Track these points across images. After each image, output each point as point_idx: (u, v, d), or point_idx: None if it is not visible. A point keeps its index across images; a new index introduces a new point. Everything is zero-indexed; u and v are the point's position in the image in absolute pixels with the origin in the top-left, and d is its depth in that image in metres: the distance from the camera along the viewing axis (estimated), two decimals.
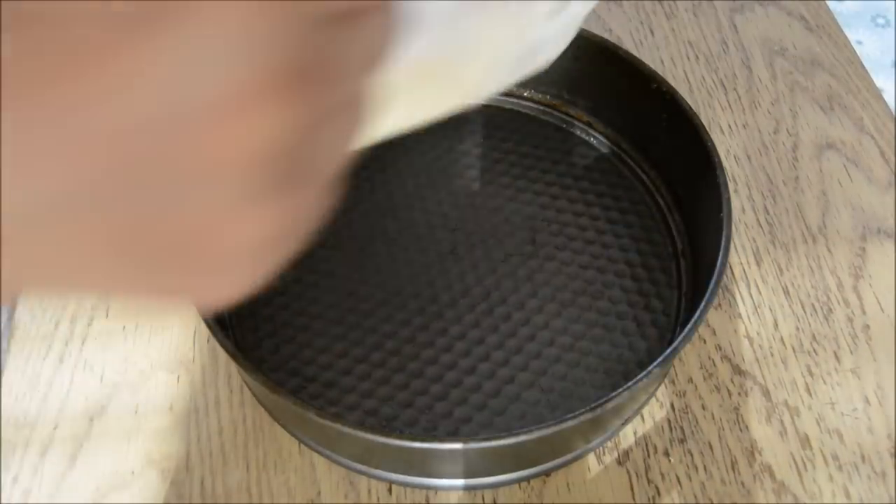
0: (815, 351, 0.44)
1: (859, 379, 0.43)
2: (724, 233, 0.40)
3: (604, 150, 0.51)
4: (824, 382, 0.43)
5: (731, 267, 0.47)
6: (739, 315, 0.45)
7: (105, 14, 0.14)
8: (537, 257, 0.46)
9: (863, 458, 0.40)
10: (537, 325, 0.43)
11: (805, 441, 0.41)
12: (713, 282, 0.38)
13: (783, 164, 0.52)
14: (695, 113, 0.44)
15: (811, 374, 0.43)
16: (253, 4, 0.14)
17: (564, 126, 0.52)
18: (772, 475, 0.40)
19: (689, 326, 0.37)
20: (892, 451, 0.41)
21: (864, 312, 0.45)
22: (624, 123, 0.50)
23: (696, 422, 0.41)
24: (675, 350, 0.36)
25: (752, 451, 0.41)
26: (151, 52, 0.14)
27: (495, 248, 0.46)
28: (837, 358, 0.44)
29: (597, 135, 0.51)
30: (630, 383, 0.35)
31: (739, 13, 0.61)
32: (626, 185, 0.49)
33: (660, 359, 0.36)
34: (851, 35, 1.11)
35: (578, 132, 0.52)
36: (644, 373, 0.36)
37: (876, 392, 0.42)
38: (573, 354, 0.42)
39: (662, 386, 0.43)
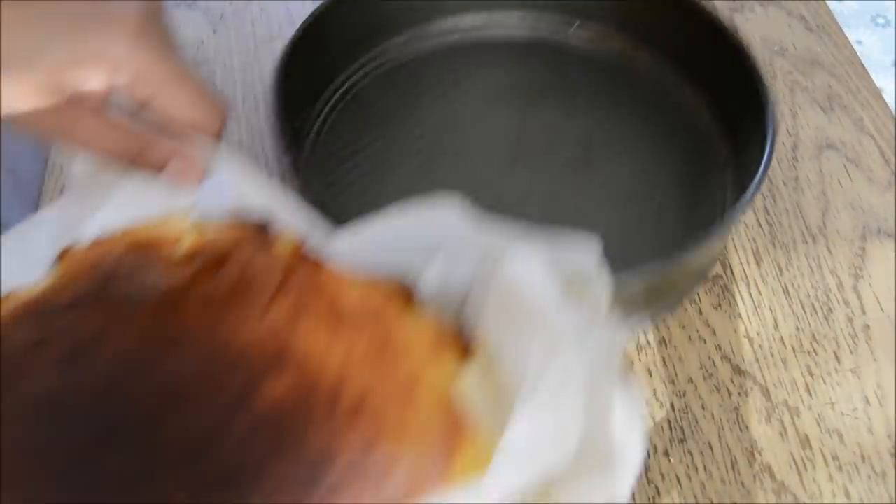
0: (815, 351, 0.44)
1: (859, 379, 0.43)
2: (770, 134, 0.42)
3: (653, 75, 0.53)
4: (824, 382, 0.43)
5: (731, 267, 0.47)
6: (739, 315, 0.45)
7: None
8: (591, 164, 0.48)
9: (863, 458, 0.40)
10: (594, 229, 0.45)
11: (805, 441, 0.41)
12: (761, 169, 0.40)
13: (783, 164, 0.52)
14: (737, 33, 0.46)
15: (811, 374, 0.43)
16: None
17: (615, 57, 0.54)
18: (772, 475, 0.40)
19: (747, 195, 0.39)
20: (892, 451, 0.41)
21: (864, 312, 0.45)
22: (670, 50, 0.52)
23: (696, 422, 0.41)
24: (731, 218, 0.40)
25: (752, 451, 0.41)
26: None
27: (552, 157, 0.49)
28: (837, 358, 0.44)
29: (645, 64, 0.53)
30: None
31: (739, 13, 0.61)
32: (673, 106, 0.51)
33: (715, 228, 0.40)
34: (851, 35, 1.11)
35: (629, 63, 0.54)
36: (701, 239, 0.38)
37: (876, 392, 0.43)
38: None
39: (662, 386, 0.43)
